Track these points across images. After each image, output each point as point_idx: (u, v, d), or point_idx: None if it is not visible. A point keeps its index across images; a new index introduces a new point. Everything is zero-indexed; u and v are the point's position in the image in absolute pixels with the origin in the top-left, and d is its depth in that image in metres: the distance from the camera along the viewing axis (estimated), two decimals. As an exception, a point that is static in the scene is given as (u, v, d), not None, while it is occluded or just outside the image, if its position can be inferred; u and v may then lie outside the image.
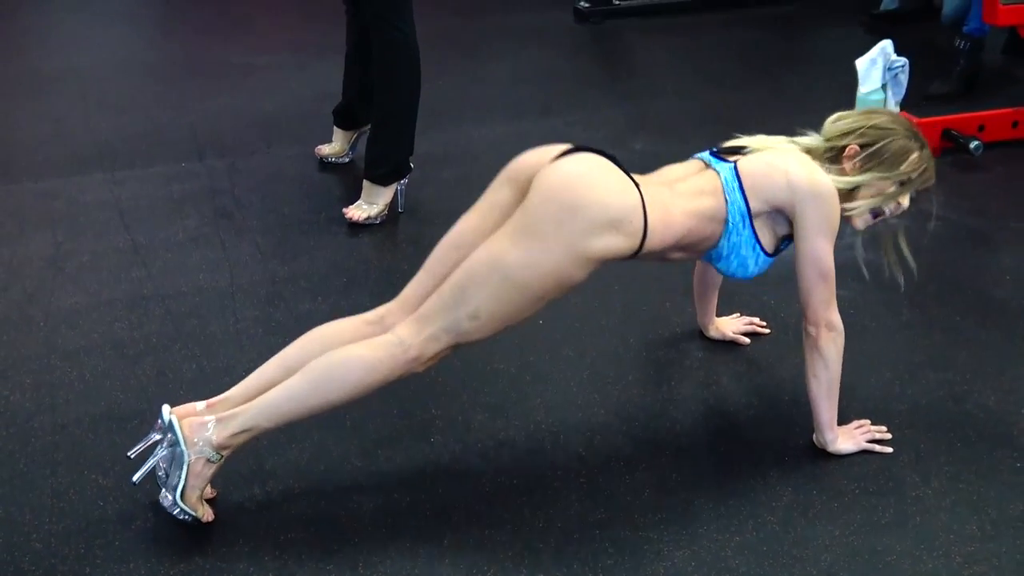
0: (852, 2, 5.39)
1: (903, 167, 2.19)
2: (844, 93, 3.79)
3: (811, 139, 2.24)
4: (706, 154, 2.20)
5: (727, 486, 2.13)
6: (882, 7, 5.18)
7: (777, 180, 2.11)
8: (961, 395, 2.40)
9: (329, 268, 2.96)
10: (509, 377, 2.48)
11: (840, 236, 2.16)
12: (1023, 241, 3.14)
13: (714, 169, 2.14)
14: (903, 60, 3.72)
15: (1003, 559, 1.94)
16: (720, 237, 2.13)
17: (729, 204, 2.10)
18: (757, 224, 2.12)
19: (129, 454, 2.01)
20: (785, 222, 2.15)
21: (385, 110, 3.20)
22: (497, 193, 2.08)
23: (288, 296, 2.81)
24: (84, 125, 3.97)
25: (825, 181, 2.12)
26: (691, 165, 2.21)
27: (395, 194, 3.24)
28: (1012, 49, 4.59)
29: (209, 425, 1.94)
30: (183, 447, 1.92)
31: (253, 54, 4.75)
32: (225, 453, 1.95)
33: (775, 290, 2.73)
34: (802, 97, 4.24)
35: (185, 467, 1.93)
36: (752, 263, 2.16)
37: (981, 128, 3.70)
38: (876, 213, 2.21)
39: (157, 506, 1.98)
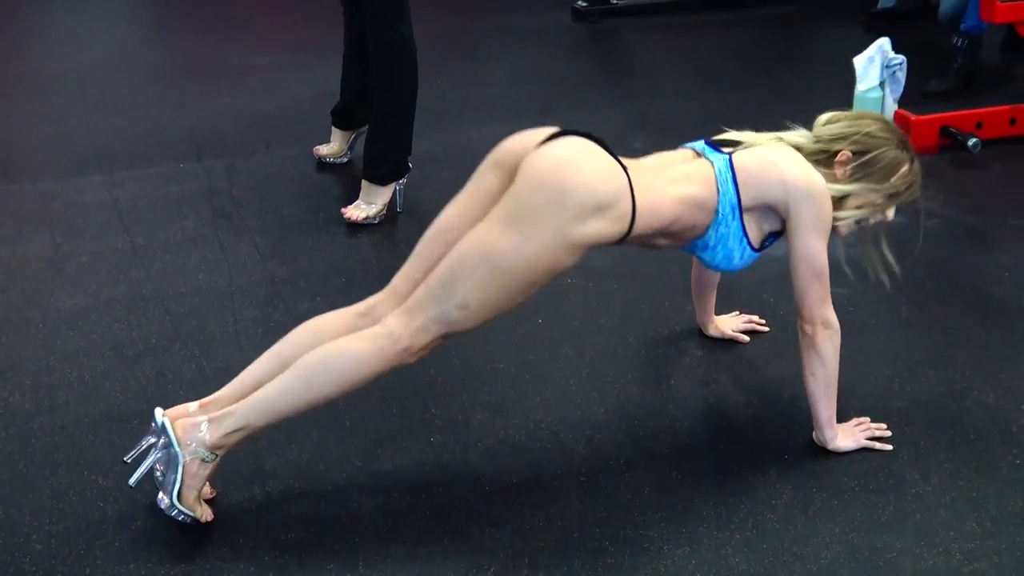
0: (851, 1, 5.39)
1: (893, 179, 2.19)
2: (844, 92, 3.80)
3: (800, 136, 2.23)
4: (700, 144, 2.19)
5: (727, 484, 2.13)
6: (880, 5, 5.18)
7: (772, 177, 2.10)
8: (960, 392, 2.41)
9: (328, 268, 2.96)
10: (509, 376, 2.48)
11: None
12: (1022, 238, 3.14)
13: (708, 159, 2.14)
14: (901, 58, 3.73)
15: (1003, 556, 1.94)
16: (708, 227, 2.11)
17: (721, 195, 2.09)
18: (746, 218, 2.12)
19: (126, 458, 2.00)
20: (774, 219, 2.14)
21: (384, 110, 3.20)
22: (483, 179, 2.06)
23: (287, 296, 2.81)
24: (83, 126, 3.97)
25: (819, 181, 2.12)
26: (682, 153, 2.20)
27: (394, 194, 3.24)
28: (1010, 46, 4.59)
29: (202, 426, 1.94)
30: (177, 449, 1.92)
31: (252, 54, 4.75)
32: (220, 453, 1.95)
33: (774, 288, 2.73)
34: (802, 97, 4.24)
35: (180, 468, 1.92)
36: (738, 256, 2.16)
37: (979, 125, 3.70)
38: (859, 222, 2.22)
39: (157, 507, 1.97)
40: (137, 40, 5.26)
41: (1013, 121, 3.76)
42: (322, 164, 3.60)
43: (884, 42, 3.70)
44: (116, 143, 3.79)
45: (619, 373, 2.49)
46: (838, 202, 2.16)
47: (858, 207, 2.19)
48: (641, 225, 2.00)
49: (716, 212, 2.10)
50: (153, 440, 1.97)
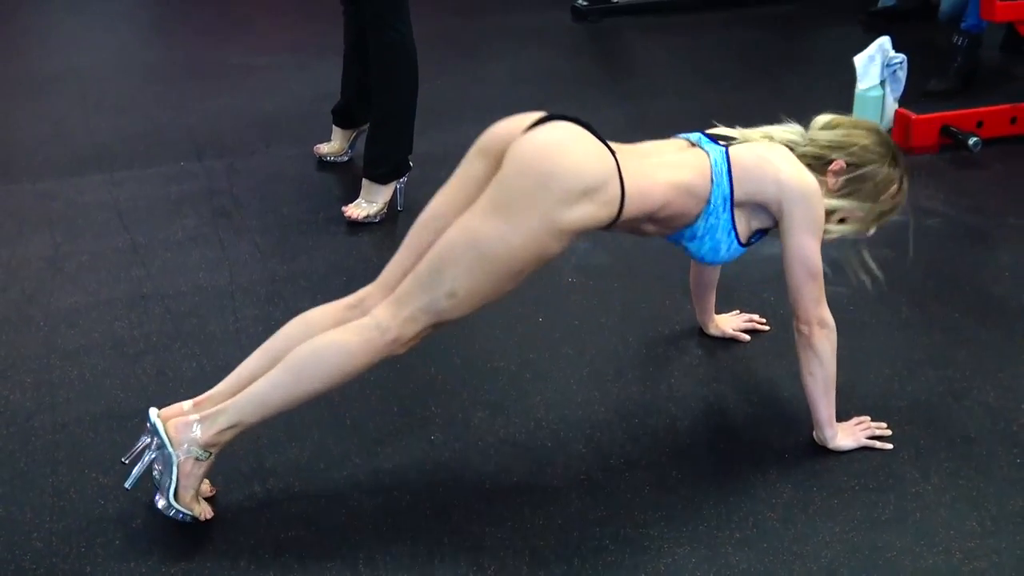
0: (851, 1, 5.39)
1: (883, 198, 2.20)
2: (844, 92, 3.80)
3: (792, 132, 2.21)
4: (695, 135, 2.18)
5: (727, 483, 2.13)
6: (880, 4, 5.19)
7: (767, 175, 2.10)
8: (960, 392, 2.40)
9: (328, 267, 2.96)
10: (509, 375, 2.48)
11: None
12: (1022, 238, 3.14)
13: (703, 149, 2.13)
14: (901, 57, 3.73)
15: (1003, 555, 1.94)
16: (698, 216, 2.10)
17: (714, 186, 2.08)
18: (736, 212, 2.11)
19: (124, 459, 2.00)
20: (764, 217, 2.14)
21: (384, 110, 3.20)
22: (471, 166, 2.04)
23: (287, 295, 2.81)
24: (83, 126, 3.97)
25: (812, 182, 2.11)
26: (676, 142, 2.18)
27: (394, 193, 3.24)
28: (1010, 45, 4.59)
29: (194, 425, 1.93)
30: (170, 449, 1.92)
31: (252, 54, 4.76)
32: (214, 451, 1.94)
33: (775, 287, 2.72)
34: (802, 97, 4.23)
35: (174, 468, 1.92)
36: (724, 248, 2.15)
37: (979, 124, 3.70)
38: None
39: (156, 507, 1.98)
40: (137, 40, 5.26)
41: (1014, 120, 3.76)
42: (322, 163, 3.60)
43: (884, 41, 3.70)
44: (116, 143, 3.79)
45: (619, 372, 2.49)
46: (826, 216, 2.15)
47: (842, 221, 2.19)
48: (631, 209, 1.98)
49: (708, 202, 2.08)
50: (148, 441, 1.96)
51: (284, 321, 2.11)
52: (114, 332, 2.64)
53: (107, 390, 2.41)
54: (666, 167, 2.06)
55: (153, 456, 1.95)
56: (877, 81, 3.71)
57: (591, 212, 1.93)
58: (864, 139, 2.19)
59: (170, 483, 1.92)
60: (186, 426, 1.93)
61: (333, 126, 3.60)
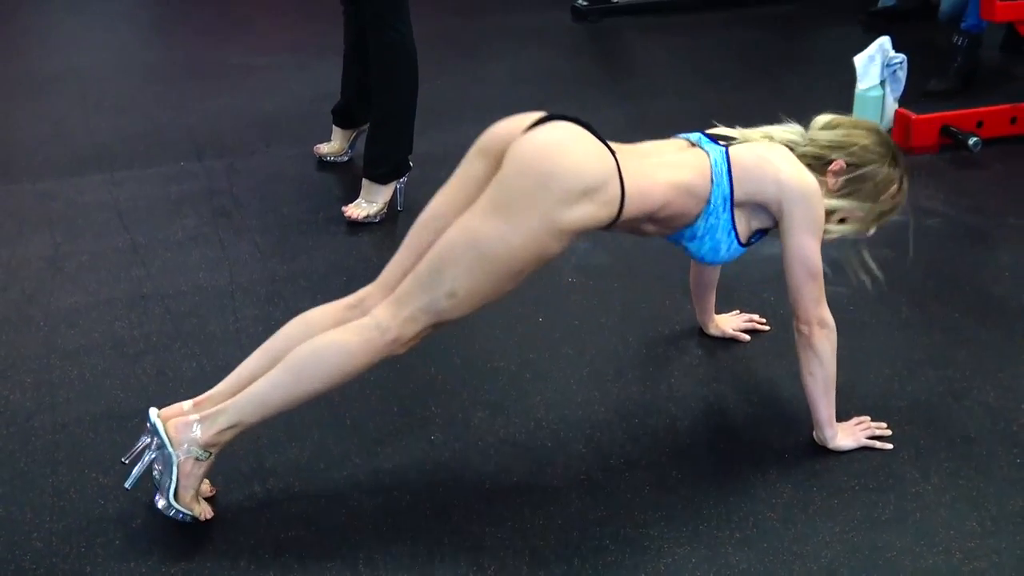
0: (851, 1, 5.39)
1: (882, 198, 2.20)
2: (844, 92, 3.80)
3: (792, 132, 2.21)
4: (695, 135, 2.18)
5: (727, 483, 2.13)
6: (880, 4, 5.19)
7: (768, 175, 2.09)
8: (960, 392, 2.41)
9: (328, 267, 2.96)
10: (509, 375, 2.48)
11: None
12: (1022, 238, 3.14)
13: (703, 149, 2.12)
14: (901, 57, 3.73)
15: (1003, 555, 1.94)
16: (698, 216, 2.10)
17: (715, 186, 2.08)
18: (736, 212, 2.11)
19: (124, 459, 2.00)
20: (764, 217, 2.14)
21: (384, 110, 3.21)
22: (471, 166, 2.04)
23: (288, 295, 2.81)
24: (83, 126, 3.97)
25: (812, 182, 2.11)
26: (676, 142, 2.18)
27: (394, 193, 3.24)
28: (1010, 45, 4.60)
29: (194, 425, 1.93)
30: (170, 449, 1.92)
31: (252, 55, 4.76)
32: (214, 451, 1.94)
33: (775, 287, 2.72)
34: (802, 97, 4.23)
35: (174, 468, 1.92)
36: (724, 248, 2.15)
37: (980, 124, 3.70)
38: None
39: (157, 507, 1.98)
40: (137, 40, 5.26)
41: (1014, 120, 3.76)
42: (322, 163, 3.60)
43: (884, 41, 3.70)
44: (116, 143, 3.79)
45: (619, 372, 2.49)
46: (826, 216, 2.15)
47: (842, 221, 2.19)
48: (631, 209, 1.98)
49: (708, 202, 2.08)
50: (148, 441, 1.96)
51: (284, 321, 2.11)
52: (114, 332, 2.64)
53: (107, 390, 2.41)
54: (666, 167, 2.06)
55: (153, 456, 1.95)
56: (877, 81, 3.71)
57: (591, 212, 1.92)
58: (864, 139, 2.19)
59: (170, 483, 1.92)
60: (186, 426, 1.93)
61: (333, 126, 3.60)
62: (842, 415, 2.23)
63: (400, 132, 3.22)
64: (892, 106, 3.75)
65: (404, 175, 3.24)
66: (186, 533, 1.98)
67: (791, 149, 2.17)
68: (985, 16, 3.79)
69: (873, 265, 2.27)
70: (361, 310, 2.02)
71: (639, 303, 2.78)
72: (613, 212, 1.96)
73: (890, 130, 3.75)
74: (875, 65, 3.69)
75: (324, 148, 3.62)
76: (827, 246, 2.17)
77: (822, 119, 2.24)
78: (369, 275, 2.86)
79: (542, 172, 1.89)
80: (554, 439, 2.26)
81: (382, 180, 3.21)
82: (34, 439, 2.25)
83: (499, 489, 2.12)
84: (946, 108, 3.75)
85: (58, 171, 3.57)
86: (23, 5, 5.62)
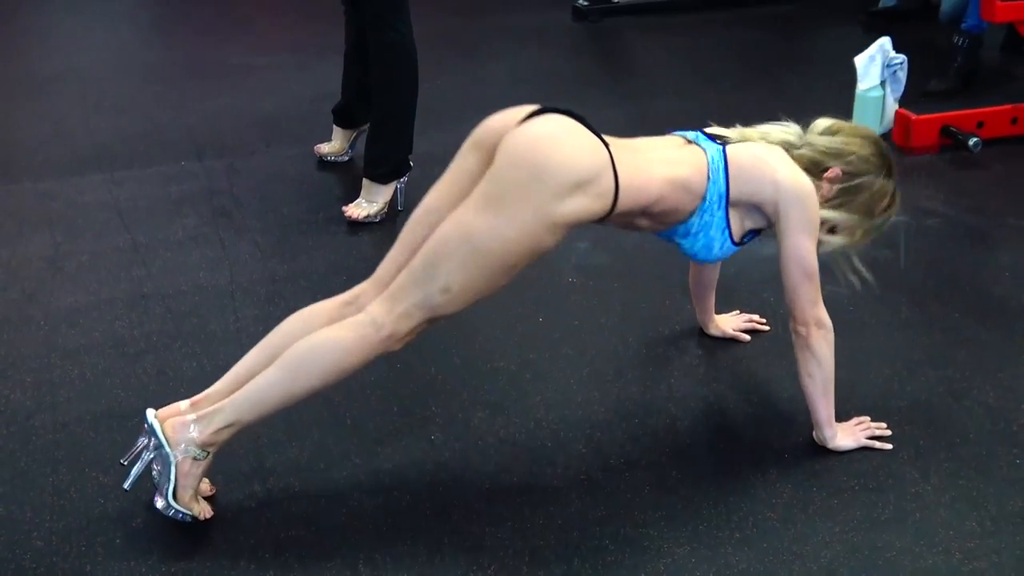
0: (851, 1, 5.39)
1: (876, 212, 2.20)
2: (844, 92, 3.80)
3: (789, 132, 2.20)
4: (693, 133, 2.18)
5: (727, 483, 2.13)
6: (880, 5, 5.19)
7: (764, 176, 2.09)
8: (960, 392, 2.41)
9: (329, 267, 2.96)
10: (509, 375, 2.48)
11: None
12: (1022, 238, 3.14)
13: (700, 146, 2.12)
14: (902, 57, 3.73)
15: (1002, 555, 1.94)
16: (692, 213, 2.09)
17: (711, 183, 2.08)
18: (731, 211, 2.11)
19: (123, 460, 2.00)
20: (758, 217, 2.14)
21: (384, 110, 3.21)
22: (464, 160, 2.03)
23: (288, 295, 2.81)
24: (83, 126, 3.97)
25: (808, 183, 2.11)
26: (672, 139, 2.18)
27: (395, 193, 3.24)
28: (1010, 46, 4.60)
29: (191, 425, 1.93)
30: (167, 449, 1.92)
31: (252, 55, 4.76)
32: (211, 450, 1.94)
33: (775, 288, 2.71)
34: (802, 97, 4.23)
35: (172, 468, 1.92)
36: (718, 246, 2.14)
37: (980, 125, 3.70)
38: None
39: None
40: (137, 40, 5.26)
41: (1014, 121, 3.76)
42: (323, 163, 3.60)
43: (885, 41, 3.70)
44: (116, 143, 3.80)
45: (619, 372, 2.49)
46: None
47: (832, 231, 2.19)
48: (625, 202, 1.97)
49: (703, 199, 2.08)
50: (145, 441, 1.96)
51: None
52: (114, 332, 2.64)
53: (107, 389, 2.41)
54: (662, 163, 2.06)
55: (151, 456, 1.95)
56: (877, 81, 3.71)
57: (585, 205, 1.92)
58: (863, 148, 2.19)
59: (168, 483, 1.93)
60: (183, 426, 1.93)
61: (333, 126, 3.60)
62: (842, 415, 2.23)
63: (400, 132, 3.22)
64: (892, 106, 3.75)
65: (404, 175, 3.24)
66: (186, 532, 1.98)
67: (787, 150, 2.16)
68: (985, 17, 3.78)
69: (862, 267, 2.27)
70: (357, 307, 2.01)
71: (639, 303, 2.78)
72: (607, 205, 1.95)
73: (890, 131, 3.75)
74: (875, 65, 3.69)
75: (324, 148, 3.62)
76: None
77: (822, 123, 2.23)
78: (369, 275, 2.87)
79: (535, 165, 1.89)
80: (554, 439, 2.26)
81: (382, 180, 3.21)
82: (34, 438, 2.25)
83: (499, 489, 2.12)
84: (946, 108, 3.75)
85: (58, 171, 3.57)
86: (23, 5, 5.62)
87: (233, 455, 2.10)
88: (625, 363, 2.54)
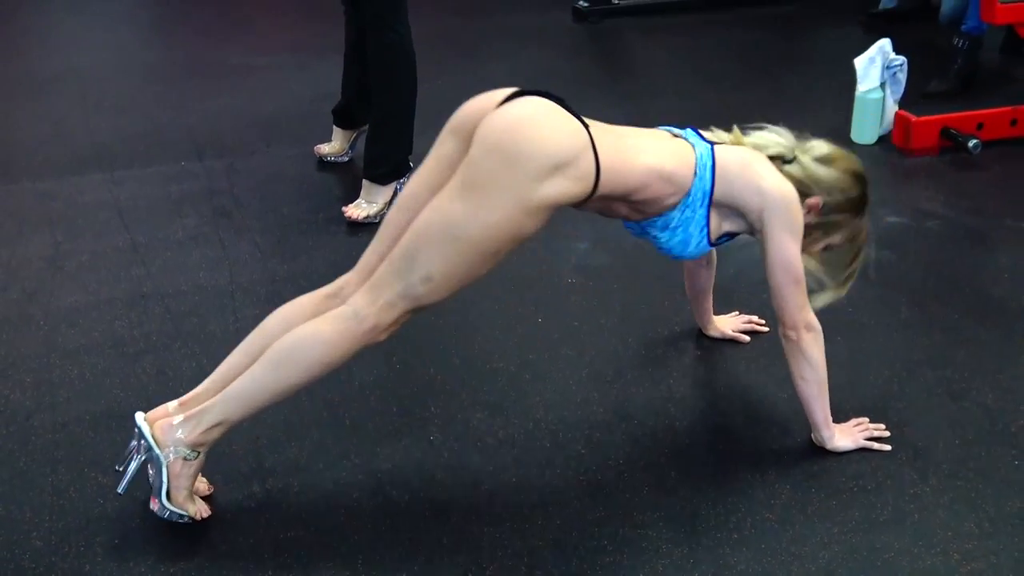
0: (851, 1, 5.40)
1: (848, 262, 2.24)
2: (844, 92, 3.80)
3: (782, 147, 2.18)
4: (683, 129, 2.17)
5: (726, 484, 2.13)
6: (880, 6, 5.19)
7: (751, 182, 2.09)
8: (959, 393, 2.41)
9: (328, 267, 2.96)
10: (508, 376, 2.48)
11: None
12: (1021, 239, 3.15)
13: (689, 142, 2.12)
14: (901, 59, 3.73)
15: (1001, 556, 1.95)
16: (674, 207, 2.08)
17: (697, 179, 2.07)
18: (712, 211, 2.10)
19: (117, 467, 2.00)
20: (738, 221, 2.13)
21: (384, 110, 3.21)
22: (443, 146, 2.01)
23: (288, 295, 2.77)
24: (83, 126, 3.97)
25: (792, 190, 2.11)
26: (658, 132, 2.17)
27: (394, 193, 3.24)
28: (1010, 48, 4.60)
29: (178, 426, 1.93)
30: (157, 451, 1.92)
31: (252, 55, 4.76)
32: (202, 449, 1.94)
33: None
34: (802, 97, 4.24)
35: (164, 469, 1.92)
36: (694, 244, 2.14)
37: (980, 126, 3.70)
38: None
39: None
40: (137, 40, 5.26)
41: (1014, 122, 3.77)
42: (323, 163, 3.61)
43: (885, 43, 3.70)
44: (116, 143, 3.80)
45: (619, 373, 2.50)
46: None
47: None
48: (606, 185, 1.95)
49: (688, 194, 2.07)
50: (136, 444, 1.96)
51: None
52: (114, 331, 2.64)
53: (107, 389, 2.41)
54: (648, 152, 2.05)
55: (143, 459, 1.95)
56: (877, 83, 3.71)
57: (565, 187, 1.89)
58: (852, 189, 2.19)
59: (162, 485, 1.93)
60: (171, 427, 1.93)
61: (333, 126, 3.60)
62: (841, 416, 2.23)
63: (400, 132, 3.22)
64: (892, 108, 3.75)
65: (404, 175, 3.24)
66: (185, 533, 1.98)
67: (778, 164, 2.16)
68: (985, 18, 3.79)
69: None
70: (340, 298, 2.00)
71: (639, 304, 2.78)
72: (588, 187, 1.93)
73: (890, 132, 3.76)
74: (875, 67, 3.69)
75: (324, 148, 3.62)
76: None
77: (820, 149, 2.21)
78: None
79: (512, 148, 1.86)
80: (553, 440, 2.26)
81: (382, 180, 3.21)
82: (34, 438, 2.25)
83: (498, 489, 2.12)
84: (946, 110, 3.75)
85: (58, 171, 3.57)
86: (23, 5, 5.62)
87: (232, 455, 2.10)
88: (625, 364, 2.54)
